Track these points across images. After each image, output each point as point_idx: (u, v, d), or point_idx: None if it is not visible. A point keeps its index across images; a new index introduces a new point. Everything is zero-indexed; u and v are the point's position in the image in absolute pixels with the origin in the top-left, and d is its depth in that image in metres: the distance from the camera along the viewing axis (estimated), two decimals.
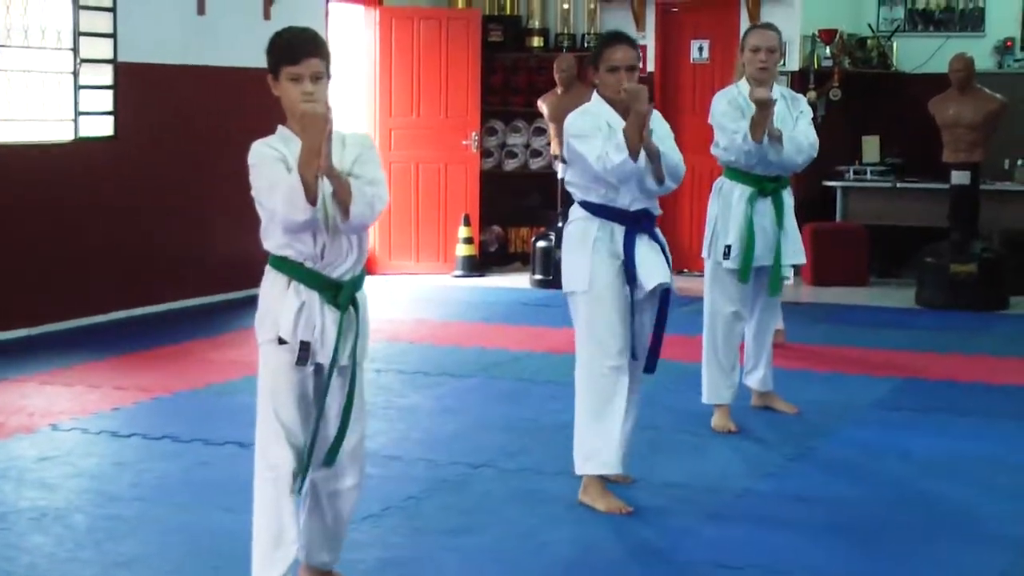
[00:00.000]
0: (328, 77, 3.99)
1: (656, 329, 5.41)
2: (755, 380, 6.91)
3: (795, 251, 6.66)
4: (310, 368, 4.03)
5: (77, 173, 9.19)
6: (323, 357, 4.02)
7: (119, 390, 7.36)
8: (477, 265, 12.19)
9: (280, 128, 4.02)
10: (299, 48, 3.95)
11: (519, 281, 11.79)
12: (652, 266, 5.25)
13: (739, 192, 6.54)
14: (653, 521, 5.21)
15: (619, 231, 5.25)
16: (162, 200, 9.82)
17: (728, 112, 6.48)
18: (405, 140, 12.28)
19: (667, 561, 4.84)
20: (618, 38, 5.33)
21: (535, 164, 12.83)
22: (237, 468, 5.89)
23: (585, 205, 5.31)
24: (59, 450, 6.15)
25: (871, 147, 12.16)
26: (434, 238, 12.31)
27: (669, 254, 5.38)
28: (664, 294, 5.31)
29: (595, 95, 5.33)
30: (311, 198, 3.81)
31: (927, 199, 11.44)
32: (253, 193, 3.99)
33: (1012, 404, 7.31)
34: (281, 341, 4.00)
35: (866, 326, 9.65)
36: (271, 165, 3.91)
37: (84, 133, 9.28)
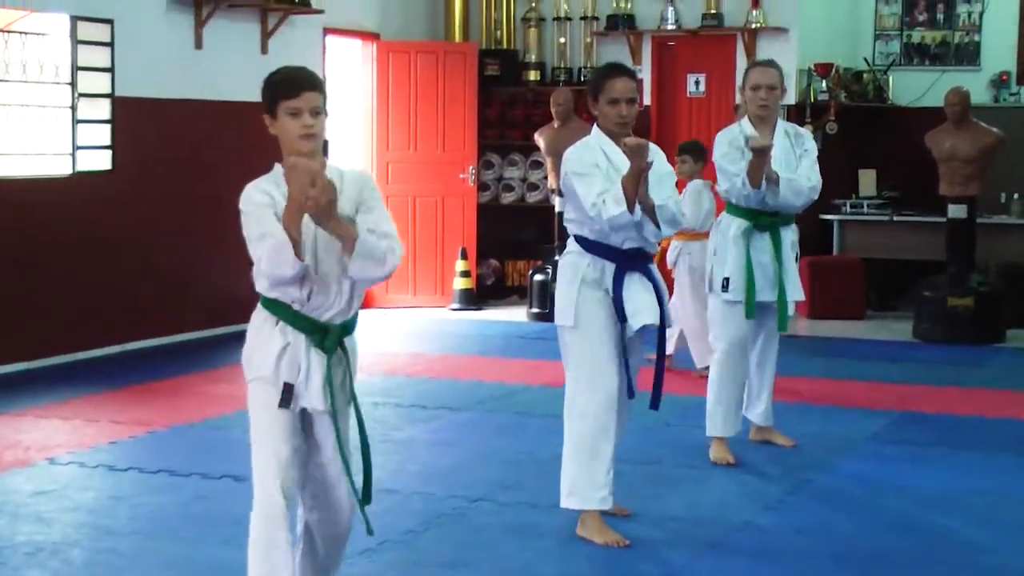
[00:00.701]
0: (326, 114, 3.95)
1: (657, 364, 5.41)
2: (756, 414, 6.89)
3: (794, 288, 6.64)
4: (296, 410, 3.99)
5: (75, 207, 9.20)
6: (307, 401, 3.95)
7: (116, 424, 7.35)
8: (474, 299, 12.20)
9: (276, 166, 3.97)
10: (297, 82, 3.91)
11: (516, 314, 11.79)
12: (641, 304, 5.22)
13: (736, 227, 6.55)
14: (652, 554, 5.20)
15: (610, 268, 5.24)
16: (159, 234, 9.83)
17: (728, 154, 6.47)
18: (402, 174, 12.30)
19: None
20: (618, 70, 5.32)
21: (532, 198, 12.85)
22: (234, 502, 5.88)
23: (579, 239, 5.31)
24: (56, 484, 6.13)
25: (868, 180, 12.19)
26: (431, 272, 12.32)
27: (665, 291, 5.37)
28: (660, 329, 5.31)
29: (595, 127, 5.33)
30: (298, 252, 3.76)
31: (924, 232, 11.46)
32: (244, 235, 3.94)
33: (1010, 438, 7.30)
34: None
35: (863, 359, 9.65)
36: (261, 213, 3.85)
37: (82, 167, 9.30)
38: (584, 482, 5.27)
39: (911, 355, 9.94)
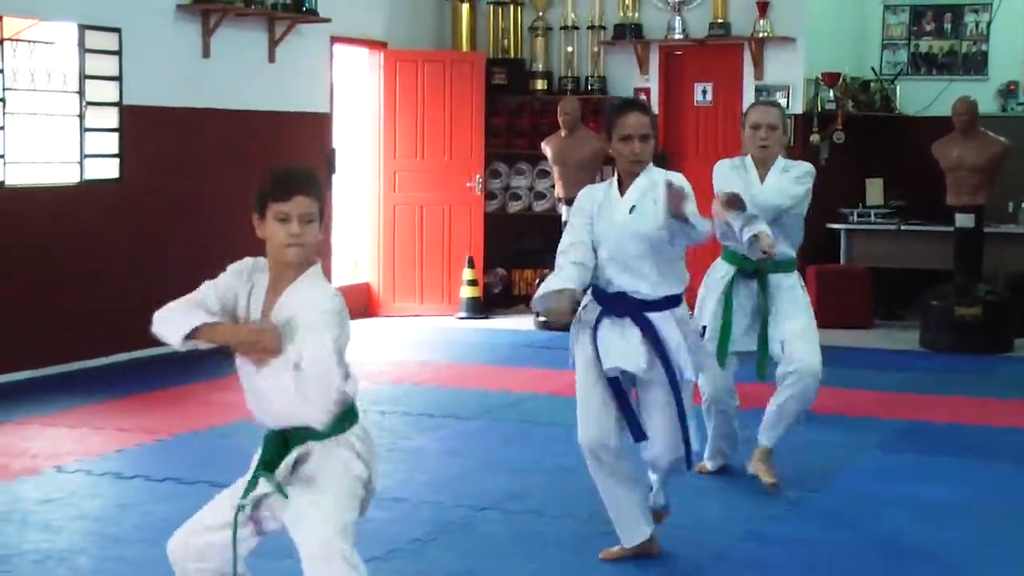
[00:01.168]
0: (320, 221, 3.71)
1: (679, 419, 5.11)
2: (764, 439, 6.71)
3: (776, 336, 6.22)
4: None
5: (82, 215, 9.22)
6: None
7: (122, 432, 7.36)
8: (481, 307, 12.20)
9: (261, 260, 3.83)
10: (291, 185, 3.67)
11: (523, 323, 11.79)
12: (614, 349, 5.00)
13: (722, 272, 6.36)
14: (657, 563, 5.20)
15: (595, 310, 5.12)
16: (167, 242, 9.84)
17: (719, 185, 6.23)
18: (409, 182, 12.31)
19: None
20: (630, 105, 5.19)
21: (539, 206, 12.85)
22: None
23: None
24: (63, 492, 6.14)
25: (875, 190, 12.18)
26: (438, 280, 12.32)
27: (671, 339, 5.02)
28: (672, 379, 5.02)
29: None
30: (184, 339, 3.71)
31: (931, 242, 11.44)
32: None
33: (1016, 447, 7.30)
34: None
35: (870, 368, 9.64)
36: (213, 290, 3.80)
37: (90, 175, 9.31)
38: (613, 519, 5.26)
39: (918, 364, 9.93)
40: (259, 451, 3.89)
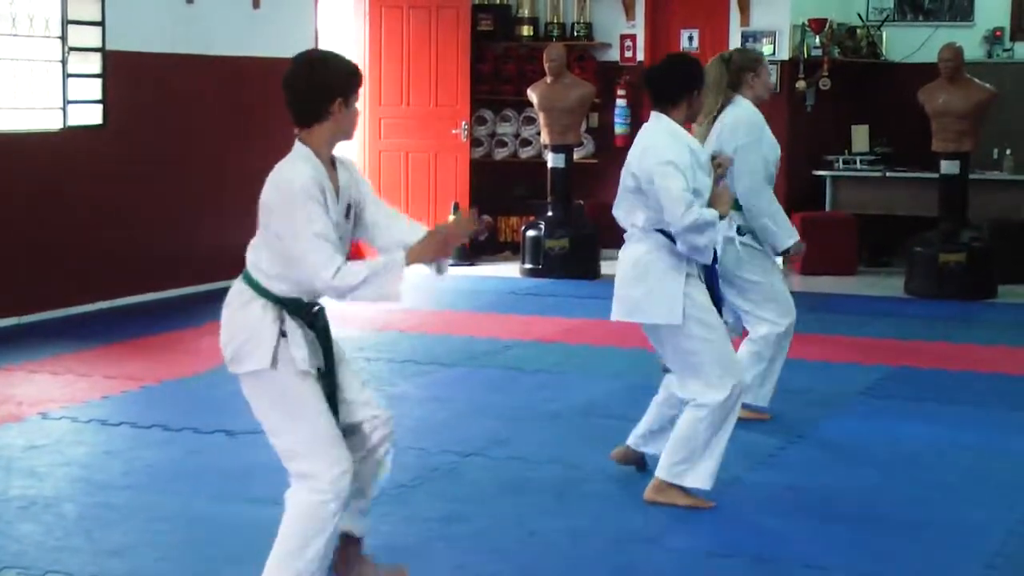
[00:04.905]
0: None
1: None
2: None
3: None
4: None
5: (66, 162, 9.17)
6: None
7: (108, 379, 7.36)
8: (467, 254, 12.19)
9: (304, 148, 3.95)
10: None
11: (509, 270, 11.79)
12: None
13: None
14: (643, 509, 5.22)
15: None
16: (150, 189, 9.80)
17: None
18: (395, 129, 12.27)
19: (657, 549, 4.86)
20: None
21: (525, 153, 12.82)
22: (226, 456, 5.91)
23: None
24: (48, 439, 6.14)
25: (861, 136, 12.17)
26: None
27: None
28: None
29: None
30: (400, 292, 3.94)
31: (916, 188, 11.45)
32: (278, 228, 3.90)
33: (1000, 392, 7.33)
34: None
35: (855, 315, 9.67)
36: (320, 215, 3.86)
37: (73, 122, 9.26)
38: None
39: (903, 311, 9.96)
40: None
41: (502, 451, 6.02)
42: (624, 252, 5.36)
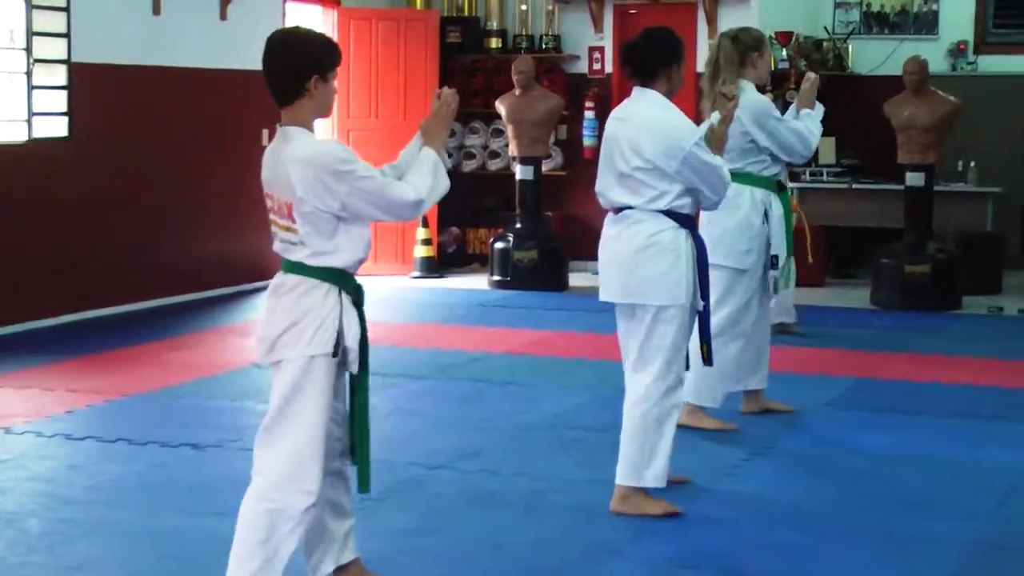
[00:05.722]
0: None
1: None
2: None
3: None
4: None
5: (31, 174, 9.11)
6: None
7: (73, 393, 7.31)
8: (435, 266, 12.18)
9: (292, 128, 4.03)
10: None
11: (477, 282, 11.78)
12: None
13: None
14: (611, 521, 5.23)
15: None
16: (116, 201, 9.75)
17: None
18: (363, 141, 12.21)
19: (625, 560, 4.86)
20: None
21: (493, 165, 12.82)
22: (192, 470, 5.88)
23: (674, 215, 5.26)
24: (12, 453, 6.10)
25: (827, 148, 12.21)
26: (392, 239, 12.26)
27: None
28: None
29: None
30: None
31: (882, 200, 11.51)
32: (353, 198, 3.99)
33: (965, 403, 7.37)
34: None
35: (822, 326, 9.70)
36: (359, 159, 4.01)
37: (38, 134, 9.20)
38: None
39: (869, 322, 10.00)
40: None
41: (470, 464, 6.01)
42: (617, 232, 5.30)
